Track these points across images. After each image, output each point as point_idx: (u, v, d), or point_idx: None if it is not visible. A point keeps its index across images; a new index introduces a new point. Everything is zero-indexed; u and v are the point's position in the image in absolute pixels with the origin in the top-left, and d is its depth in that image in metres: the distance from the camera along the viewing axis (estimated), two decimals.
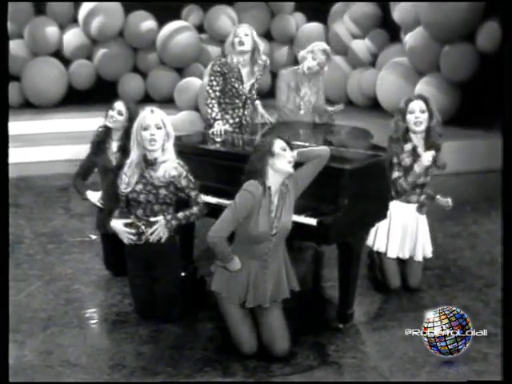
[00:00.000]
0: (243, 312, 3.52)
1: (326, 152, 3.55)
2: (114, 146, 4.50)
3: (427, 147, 4.21)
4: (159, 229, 3.79)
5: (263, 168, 3.41)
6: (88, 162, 4.65)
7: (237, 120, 5.07)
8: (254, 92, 5.13)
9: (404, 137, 4.22)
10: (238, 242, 3.50)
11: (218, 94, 5.00)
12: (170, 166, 3.78)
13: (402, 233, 4.30)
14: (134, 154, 3.80)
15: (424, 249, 4.37)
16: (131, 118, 4.38)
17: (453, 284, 4.54)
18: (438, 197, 4.42)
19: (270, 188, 3.43)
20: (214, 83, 5.00)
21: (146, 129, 3.73)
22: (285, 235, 3.52)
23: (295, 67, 5.26)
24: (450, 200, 4.39)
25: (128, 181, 3.82)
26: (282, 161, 3.40)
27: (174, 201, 3.87)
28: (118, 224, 3.88)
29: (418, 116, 4.17)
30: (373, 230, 4.29)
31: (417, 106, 4.18)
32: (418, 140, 4.23)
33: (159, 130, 3.75)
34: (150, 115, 3.76)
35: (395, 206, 4.24)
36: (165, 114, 3.85)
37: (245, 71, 5.01)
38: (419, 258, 4.33)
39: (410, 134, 4.23)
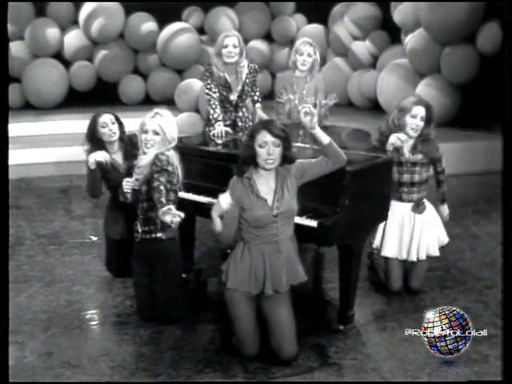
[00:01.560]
0: (252, 313, 3.49)
1: (342, 161, 3.48)
2: (118, 157, 4.51)
3: (416, 143, 4.23)
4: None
5: (249, 162, 3.43)
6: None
7: (228, 122, 5.06)
8: (244, 97, 5.12)
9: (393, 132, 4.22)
10: (246, 233, 3.46)
11: (217, 94, 5.01)
12: (142, 157, 3.79)
13: (398, 232, 4.30)
14: (141, 156, 3.85)
15: (419, 249, 4.32)
16: (119, 121, 4.49)
17: (453, 286, 4.54)
18: (444, 205, 4.44)
19: (248, 178, 3.43)
20: (213, 85, 5.00)
21: (145, 132, 3.78)
22: (291, 217, 3.48)
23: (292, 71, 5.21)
24: (448, 215, 4.43)
25: (137, 183, 3.86)
26: (259, 158, 3.38)
27: None
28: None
29: (418, 123, 4.15)
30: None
31: (420, 112, 4.16)
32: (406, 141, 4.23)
33: (156, 136, 3.77)
34: (150, 120, 3.78)
35: (392, 205, 4.25)
36: (169, 118, 3.84)
37: (231, 78, 5.01)
38: (413, 257, 4.31)
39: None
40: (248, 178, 3.45)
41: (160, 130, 3.77)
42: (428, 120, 4.19)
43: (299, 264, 3.55)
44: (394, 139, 4.12)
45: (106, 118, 4.45)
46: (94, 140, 4.47)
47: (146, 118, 3.80)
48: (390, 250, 4.30)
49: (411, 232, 4.29)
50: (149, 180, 3.78)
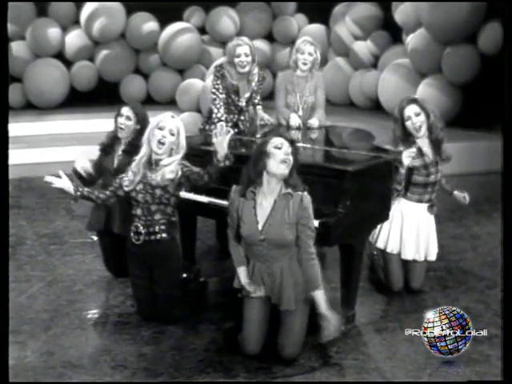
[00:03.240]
0: (261, 315, 3.49)
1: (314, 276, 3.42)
2: (120, 148, 4.52)
3: (431, 143, 4.22)
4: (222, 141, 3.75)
5: (257, 174, 3.38)
6: (96, 167, 4.56)
7: (230, 125, 5.06)
8: (250, 104, 5.15)
9: (407, 141, 4.21)
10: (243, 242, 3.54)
11: (223, 95, 5.01)
12: (167, 170, 3.80)
13: (416, 234, 4.28)
14: (143, 152, 3.83)
15: (429, 249, 4.34)
16: (139, 121, 4.40)
17: (455, 286, 4.54)
18: (456, 192, 4.46)
19: (253, 192, 3.42)
20: (221, 86, 5.01)
21: (160, 128, 3.77)
22: (283, 246, 3.41)
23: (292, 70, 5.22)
24: (466, 196, 4.45)
25: (132, 179, 3.84)
26: (275, 161, 3.33)
27: (171, 202, 3.88)
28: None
29: (414, 122, 4.15)
30: (385, 231, 4.28)
31: (411, 111, 4.16)
32: (422, 140, 4.22)
33: (171, 136, 3.79)
34: (169, 119, 3.82)
35: (407, 206, 4.25)
36: (182, 125, 3.87)
37: (241, 84, 5.03)
38: (421, 257, 4.32)
39: (415, 137, 4.22)
40: (253, 191, 3.43)
41: (176, 132, 3.80)
42: (425, 112, 4.17)
43: (293, 292, 3.46)
44: (407, 159, 4.08)
45: (126, 110, 4.42)
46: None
47: (165, 117, 3.82)
48: (409, 253, 4.29)
49: (415, 234, 4.29)
50: (166, 186, 3.80)
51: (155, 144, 3.76)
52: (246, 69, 4.94)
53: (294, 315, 3.46)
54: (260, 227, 3.40)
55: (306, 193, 3.40)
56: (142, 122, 4.37)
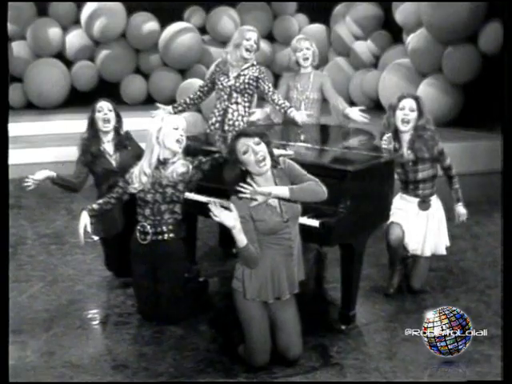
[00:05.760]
0: (267, 321, 3.41)
1: (319, 197, 3.37)
2: (109, 147, 4.50)
3: (413, 143, 4.23)
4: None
5: (244, 176, 3.35)
6: (80, 172, 4.51)
7: (222, 112, 5.04)
8: (242, 87, 5.03)
9: (395, 134, 4.26)
10: (260, 238, 3.35)
11: (199, 92, 5.23)
12: (178, 164, 3.88)
13: (417, 228, 4.29)
14: (156, 153, 3.87)
15: (424, 246, 4.31)
16: (115, 111, 4.54)
17: (455, 286, 4.54)
18: (459, 204, 4.41)
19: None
20: (204, 83, 5.27)
21: (176, 129, 3.86)
22: (298, 218, 3.43)
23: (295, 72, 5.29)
24: (463, 217, 4.41)
25: (145, 180, 3.87)
26: (251, 166, 3.30)
27: (180, 199, 3.93)
28: (83, 218, 4.04)
29: (406, 113, 4.19)
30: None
31: (407, 103, 4.20)
32: (405, 138, 4.24)
33: (184, 133, 3.91)
34: (181, 119, 3.96)
35: (405, 201, 4.32)
36: None
37: (233, 70, 5.06)
38: (417, 252, 4.32)
39: (399, 132, 4.24)
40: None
41: (184, 132, 3.94)
42: (419, 112, 4.20)
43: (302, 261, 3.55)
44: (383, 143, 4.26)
45: (104, 104, 4.49)
46: (93, 127, 4.50)
47: (176, 117, 4.00)
48: (411, 246, 4.31)
49: (417, 227, 4.29)
50: (176, 184, 3.87)
51: (173, 143, 3.84)
52: (251, 55, 4.99)
53: (288, 314, 3.42)
54: (278, 210, 3.36)
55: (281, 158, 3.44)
56: (117, 112, 4.54)
